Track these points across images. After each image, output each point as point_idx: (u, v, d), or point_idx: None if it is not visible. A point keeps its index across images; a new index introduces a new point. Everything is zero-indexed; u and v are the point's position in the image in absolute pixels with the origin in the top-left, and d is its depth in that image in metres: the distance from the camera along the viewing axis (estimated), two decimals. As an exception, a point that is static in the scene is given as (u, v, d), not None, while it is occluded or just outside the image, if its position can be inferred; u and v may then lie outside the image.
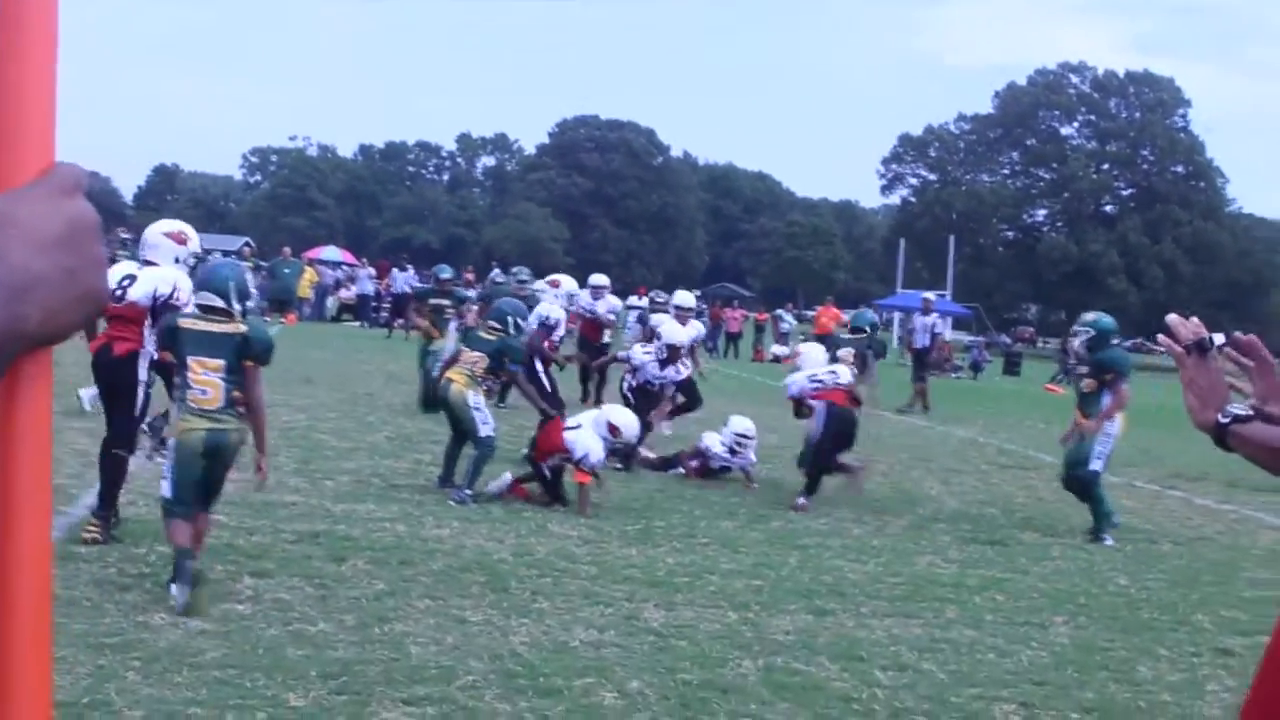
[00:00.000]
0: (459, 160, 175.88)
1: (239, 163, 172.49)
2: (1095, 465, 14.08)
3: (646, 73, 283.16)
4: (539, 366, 17.78)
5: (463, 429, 13.30)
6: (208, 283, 8.97)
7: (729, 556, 11.11)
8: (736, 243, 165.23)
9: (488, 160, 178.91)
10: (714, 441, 15.71)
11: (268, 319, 43.56)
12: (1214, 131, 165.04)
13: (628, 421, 13.78)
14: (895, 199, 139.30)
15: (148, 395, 10.20)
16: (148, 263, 10.29)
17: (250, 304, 9.58)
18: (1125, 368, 14.21)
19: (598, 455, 12.98)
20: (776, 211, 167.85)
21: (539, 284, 20.99)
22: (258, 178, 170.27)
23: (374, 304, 48.95)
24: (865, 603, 9.81)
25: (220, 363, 8.58)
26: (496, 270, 59.61)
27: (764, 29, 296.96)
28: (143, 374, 10.02)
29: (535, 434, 13.56)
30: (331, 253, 76.57)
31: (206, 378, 8.58)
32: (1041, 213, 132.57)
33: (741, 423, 15.84)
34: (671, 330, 17.88)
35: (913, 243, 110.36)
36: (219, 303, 8.78)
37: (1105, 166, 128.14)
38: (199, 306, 8.95)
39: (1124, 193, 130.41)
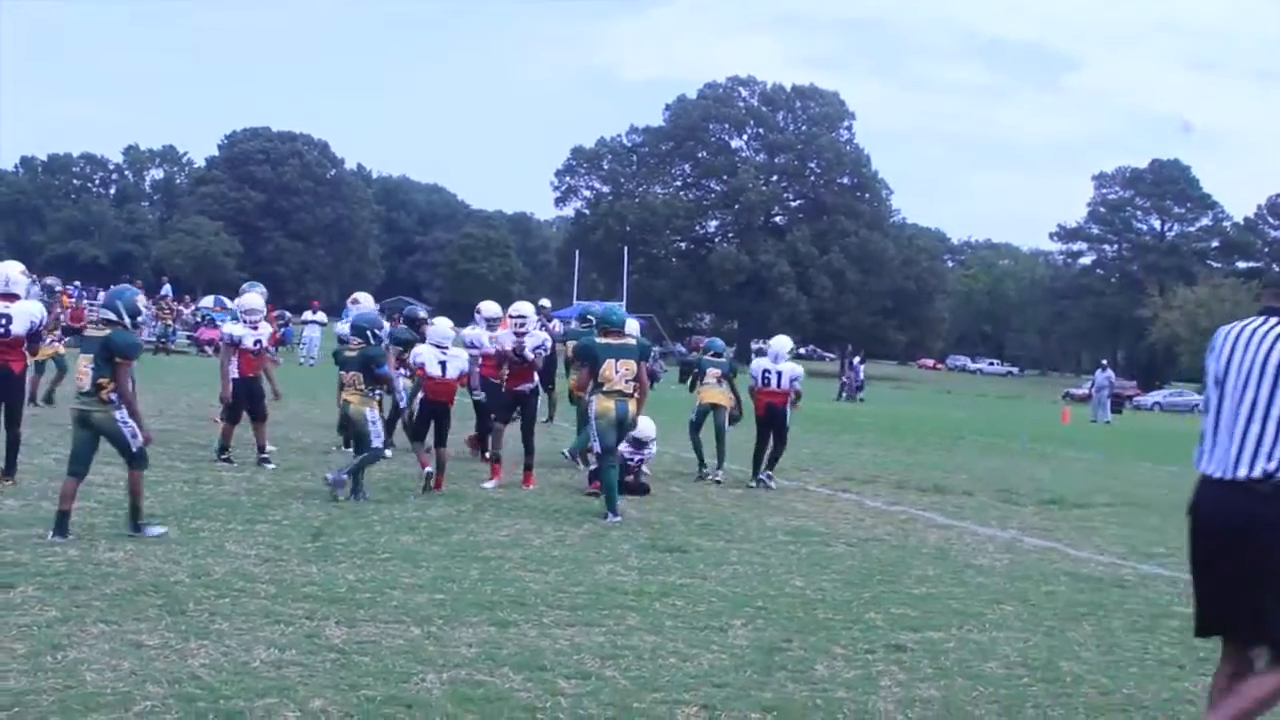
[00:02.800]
0: (126, 173, 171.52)
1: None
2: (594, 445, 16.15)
3: (319, 85, 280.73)
4: None
5: (361, 439, 15.51)
6: (110, 303, 12.26)
7: (410, 571, 11.06)
8: (411, 256, 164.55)
9: (156, 173, 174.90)
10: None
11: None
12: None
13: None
14: (569, 211, 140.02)
15: None
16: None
17: (141, 319, 12.77)
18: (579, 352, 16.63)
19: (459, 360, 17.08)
20: (451, 224, 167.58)
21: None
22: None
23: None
24: (547, 613, 9.85)
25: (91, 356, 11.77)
26: (167, 287, 58.25)
27: (437, 43, 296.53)
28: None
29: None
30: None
31: (84, 368, 11.82)
32: (713, 224, 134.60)
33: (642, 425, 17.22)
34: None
35: (587, 254, 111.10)
36: (111, 316, 12.01)
37: (774, 178, 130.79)
38: (101, 320, 12.21)
39: (793, 204, 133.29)
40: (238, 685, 7.37)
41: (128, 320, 12.09)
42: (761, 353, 20.86)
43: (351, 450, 16.00)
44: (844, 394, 61.41)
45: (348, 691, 7.43)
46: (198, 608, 9.15)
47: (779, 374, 19.67)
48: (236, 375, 17.49)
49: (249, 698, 7.17)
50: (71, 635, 8.18)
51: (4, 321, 13.99)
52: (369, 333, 16.07)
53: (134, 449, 11.92)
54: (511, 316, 17.38)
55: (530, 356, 17.14)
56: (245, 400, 17.63)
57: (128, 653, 7.87)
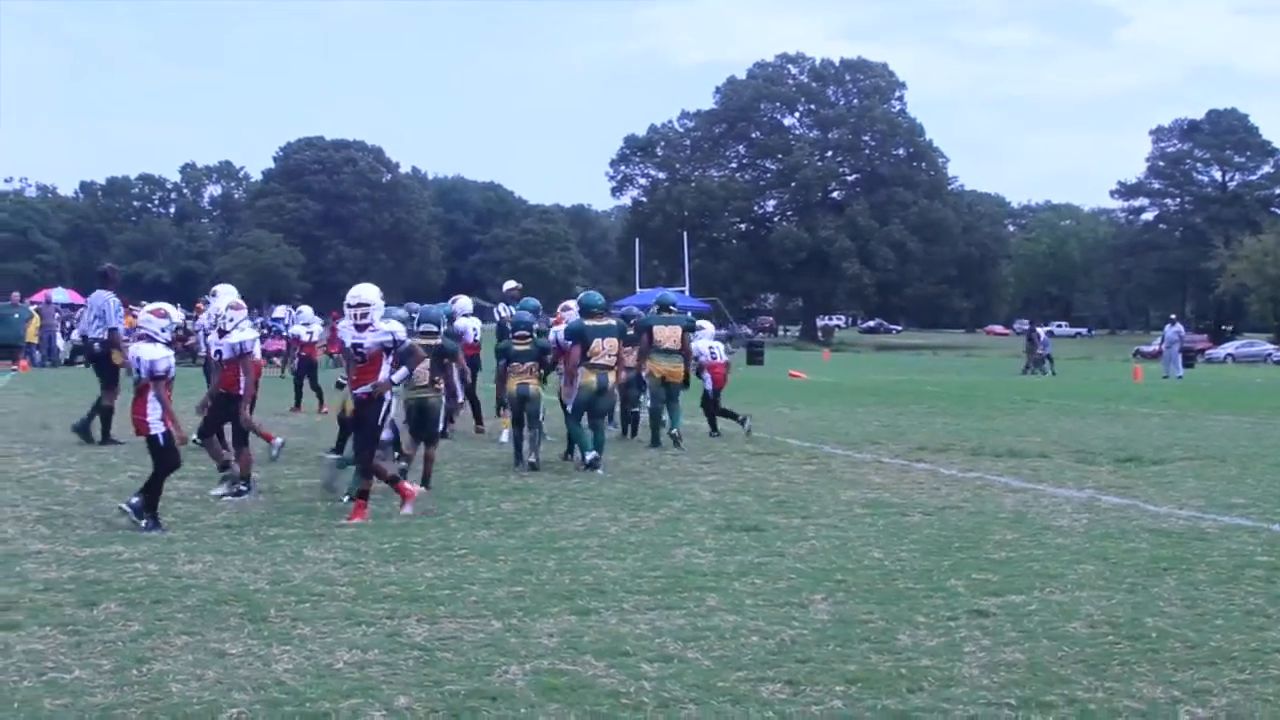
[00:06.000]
0: (185, 191, 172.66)
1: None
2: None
3: (369, 91, 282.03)
4: None
5: (533, 416, 18.09)
6: (425, 318, 16.56)
7: (488, 565, 11.08)
8: (472, 255, 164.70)
9: (214, 190, 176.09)
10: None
11: (-4, 368, 42.36)
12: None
13: None
14: (626, 200, 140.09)
15: None
16: None
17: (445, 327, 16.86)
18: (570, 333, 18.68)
19: None
20: (510, 220, 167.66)
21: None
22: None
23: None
24: (627, 599, 9.85)
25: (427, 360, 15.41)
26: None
27: (483, 40, 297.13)
28: None
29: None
30: (60, 294, 74.99)
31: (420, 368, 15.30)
32: (771, 203, 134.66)
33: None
34: None
35: (647, 242, 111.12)
36: (434, 328, 16.18)
37: (829, 154, 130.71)
38: (420, 332, 16.00)
39: (849, 178, 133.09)
40: (322, 688, 7.40)
41: (443, 329, 16.68)
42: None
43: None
44: (1030, 368, 57.52)
45: (432, 688, 7.44)
46: (279, 614, 9.18)
47: (715, 350, 23.83)
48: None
49: (334, 699, 7.19)
50: (155, 648, 8.22)
51: None
52: (537, 327, 18.91)
53: (440, 428, 16.17)
54: (349, 305, 14.42)
55: (367, 352, 14.05)
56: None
57: (212, 662, 7.91)
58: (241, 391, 15.53)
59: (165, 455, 12.99)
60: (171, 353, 13.30)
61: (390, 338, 14.10)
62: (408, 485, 14.20)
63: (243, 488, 15.00)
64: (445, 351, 16.01)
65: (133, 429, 13.21)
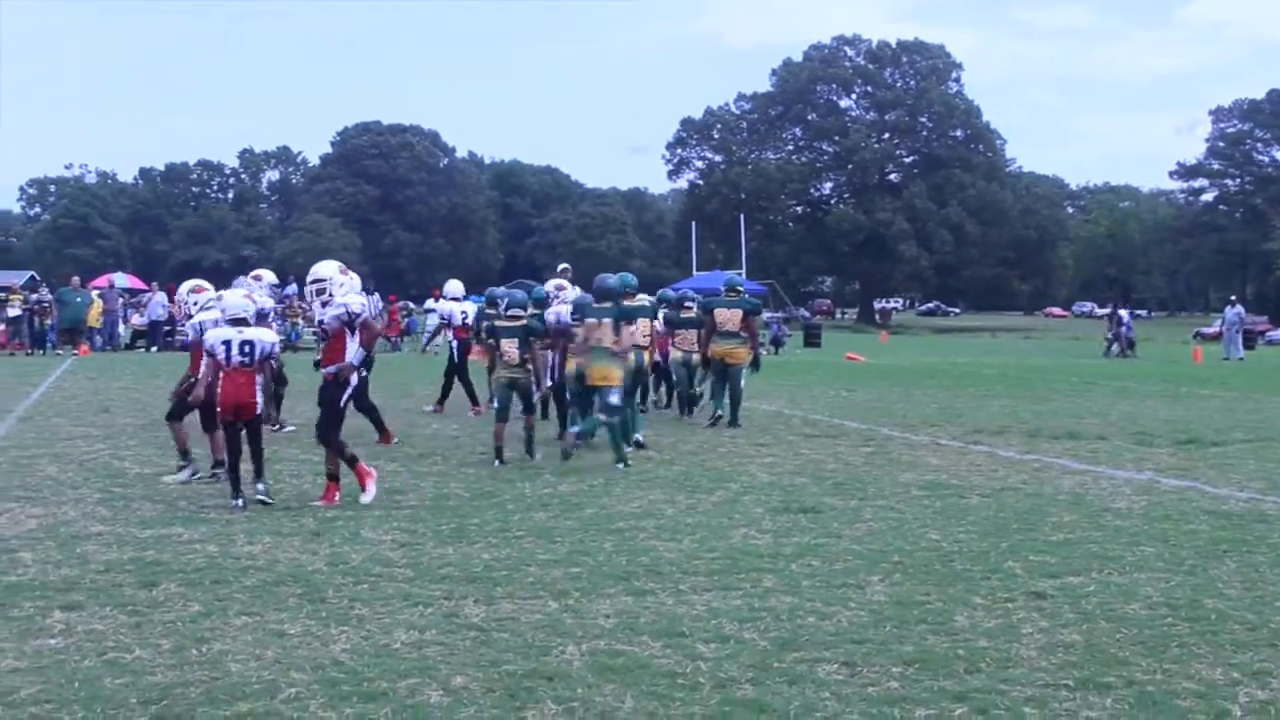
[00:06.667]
0: (243, 177, 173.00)
1: (16, 196, 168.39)
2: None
3: (426, 74, 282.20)
4: None
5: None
6: (513, 302, 16.96)
7: (545, 547, 11.10)
8: (529, 239, 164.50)
9: (272, 175, 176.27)
10: None
11: (60, 351, 42.64)
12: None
13: None
14: (683, 183, 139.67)
15: None
16: None
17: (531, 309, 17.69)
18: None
19: None
20: (566, 204, 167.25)
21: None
22: (38, 209, 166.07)
23: (167, 328, 48.20)
24: (683, 580, 9.85)
25: (515, 339, 16.42)
26: (293, 287, 58.76)
27: (538, 23, 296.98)
28: None
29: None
30: (121, 280, 75.49)
31: (510, 349, 16.37)
32: (828, 185, 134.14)
33: None
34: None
35: (704, 225, 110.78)
36: (520, 311, 16.80)
37: (886, 136, 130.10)
38: (507, 315, 16.73)
39: (906, 160, 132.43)
40: (380, 667, 7.43)
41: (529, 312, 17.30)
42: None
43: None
44: (1113, 349, 55.27)
45: (489, 668, 7.46)
46: (337, 595, 9.23)
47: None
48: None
49: (392, 679, 7.22)
50: (215, 628, 8.27)
51: None
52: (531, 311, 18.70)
53: (534, 401, 17.07)
54: (308, 284, 14.66)
55: (329, 329, 13.75)
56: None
57: (270, 642, 7.95)
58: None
59: (261, 435, 13.46)
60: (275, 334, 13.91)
61: (344, 310, 13.75)
62: (365, 466, 13.80)
63: (216, 470, 14.78)
64: (532, 331, 16.78)
65: (236, 411, 13.13)
